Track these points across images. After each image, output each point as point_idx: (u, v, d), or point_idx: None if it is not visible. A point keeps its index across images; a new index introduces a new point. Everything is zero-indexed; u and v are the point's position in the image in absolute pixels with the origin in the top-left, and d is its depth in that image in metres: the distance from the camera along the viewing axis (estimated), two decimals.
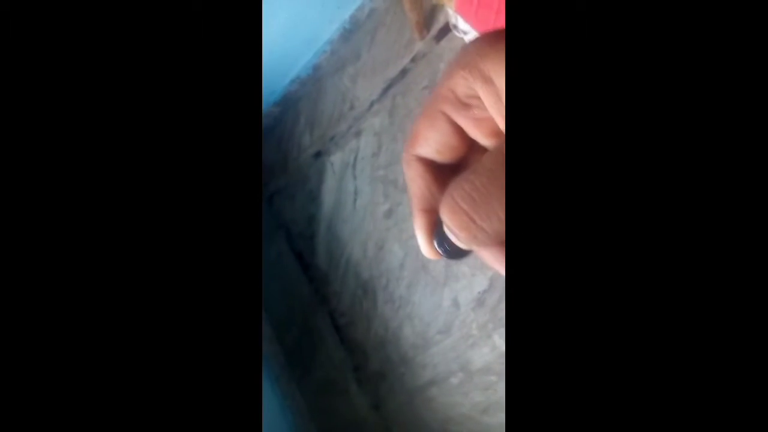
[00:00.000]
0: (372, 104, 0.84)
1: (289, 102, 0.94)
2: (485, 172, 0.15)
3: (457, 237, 0.16)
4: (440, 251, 0.18)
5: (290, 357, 0.87)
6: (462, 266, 0.67)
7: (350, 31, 0.89)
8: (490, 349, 0.63)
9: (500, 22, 0.64)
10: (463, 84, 0.17)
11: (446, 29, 0.81)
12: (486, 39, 0.17)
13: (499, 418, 0.59)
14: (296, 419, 0.84)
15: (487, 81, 0.16)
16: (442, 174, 0.19)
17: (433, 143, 0.18)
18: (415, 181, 0.19)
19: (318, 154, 0.90)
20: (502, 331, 0.61)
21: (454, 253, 0.18)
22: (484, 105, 0.17)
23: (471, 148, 0.19)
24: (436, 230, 0.18)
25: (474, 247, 0.17)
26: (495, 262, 0.17)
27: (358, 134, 0.84)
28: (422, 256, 0.73)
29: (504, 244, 0.16)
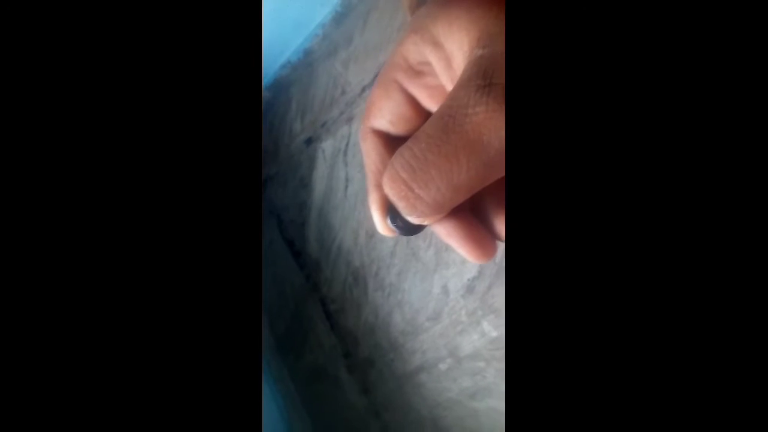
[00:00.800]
0: (364, 89, 0.83)
1: (280, 87, 0.93)
2: (425, 138, 0.14)
3: (398, 208, 0.15)
4: (393, 227, 0.18)
5: (281, 343, 0.87)
6: (452, 253, 0.67)
7: (342, 15, 0.87)
8: (479, 336, 0.63)
9: None
10: (414, 50, 0.15)
11: None
12: (438, 1, 0.15)
13: (487, 402, 0.59)
14: (287, 404, 0.84)
15: (437, 45, 0.15)
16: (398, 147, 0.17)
17: (387, 114, 0.17)
18: (370, 155, 0.17)
19: (309, 141, 0.89)
20: (491, 317, 0.61)
21: (406, 228, 0.17)
22: (436, 71, 0.15)
23: (426, 119, 0.17)
24: (389, 206, 0.17)
25: (419, 220, 0.16)
26: (448, 238, 0.16)
27: (349, 120, 0.83)
28: (413, 243, 0.73)
29: (451, 217, 0.15)
